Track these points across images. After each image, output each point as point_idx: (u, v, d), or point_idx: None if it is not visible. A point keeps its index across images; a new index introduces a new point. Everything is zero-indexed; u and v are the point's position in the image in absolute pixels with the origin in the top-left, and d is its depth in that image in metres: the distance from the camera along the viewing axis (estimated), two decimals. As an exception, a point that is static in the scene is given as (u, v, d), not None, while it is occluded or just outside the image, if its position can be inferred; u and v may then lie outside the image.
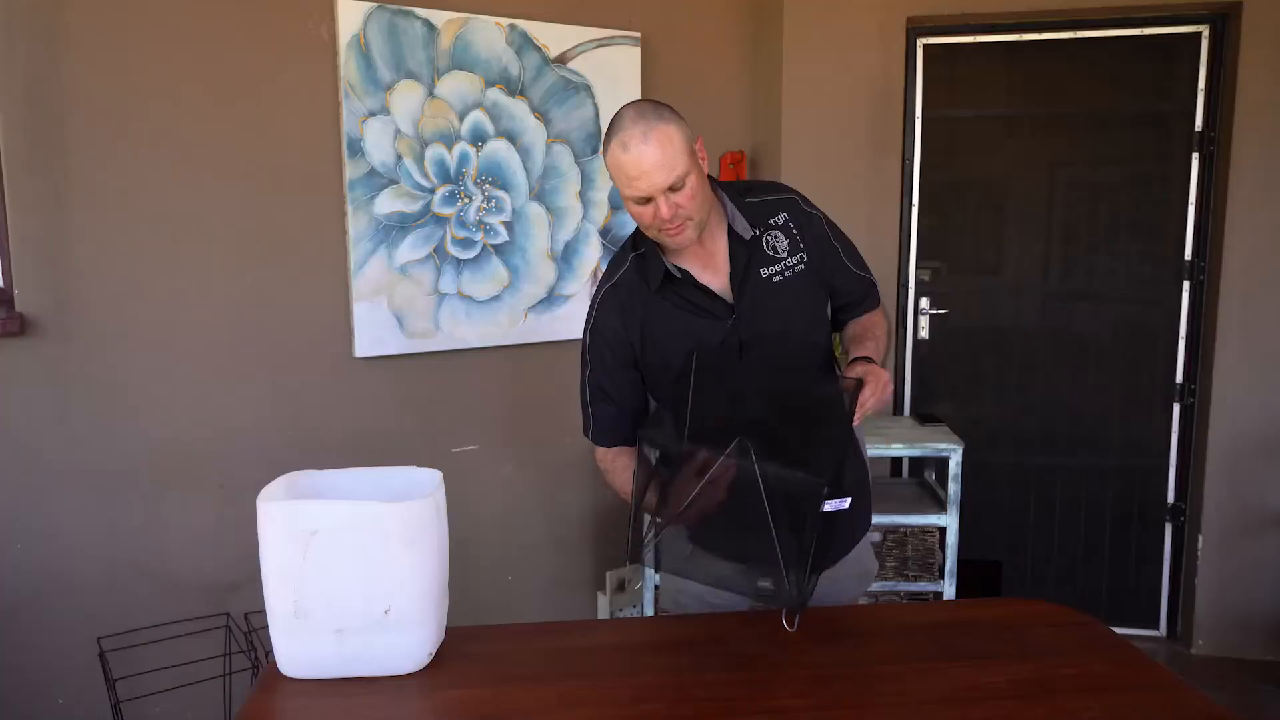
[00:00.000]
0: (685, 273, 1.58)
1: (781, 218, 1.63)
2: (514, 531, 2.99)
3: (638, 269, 1.61)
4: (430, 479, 1.47)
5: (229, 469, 2.47)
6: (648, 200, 1.47)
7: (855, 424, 1.46)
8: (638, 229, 1.59)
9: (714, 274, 1.60)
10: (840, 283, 1.69)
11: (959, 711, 1.27)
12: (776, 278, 1.60)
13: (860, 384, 1.47)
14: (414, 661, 1.40)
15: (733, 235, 1.59)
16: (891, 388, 1.51)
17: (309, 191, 2.54)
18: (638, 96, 2.99)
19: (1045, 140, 3.26)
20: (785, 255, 1.61)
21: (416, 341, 2.72)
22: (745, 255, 1.58)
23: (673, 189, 1.45)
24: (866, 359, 1.56)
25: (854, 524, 1.73)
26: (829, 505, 1.30)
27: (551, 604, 3.08)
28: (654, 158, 1.43)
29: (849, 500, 1.34)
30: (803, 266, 1.61)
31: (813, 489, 1.28)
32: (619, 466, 1.64)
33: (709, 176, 1.58)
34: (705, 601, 1.71)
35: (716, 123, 3.21)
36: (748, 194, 1.64)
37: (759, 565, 1.39)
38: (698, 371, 1.48)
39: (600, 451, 1.69)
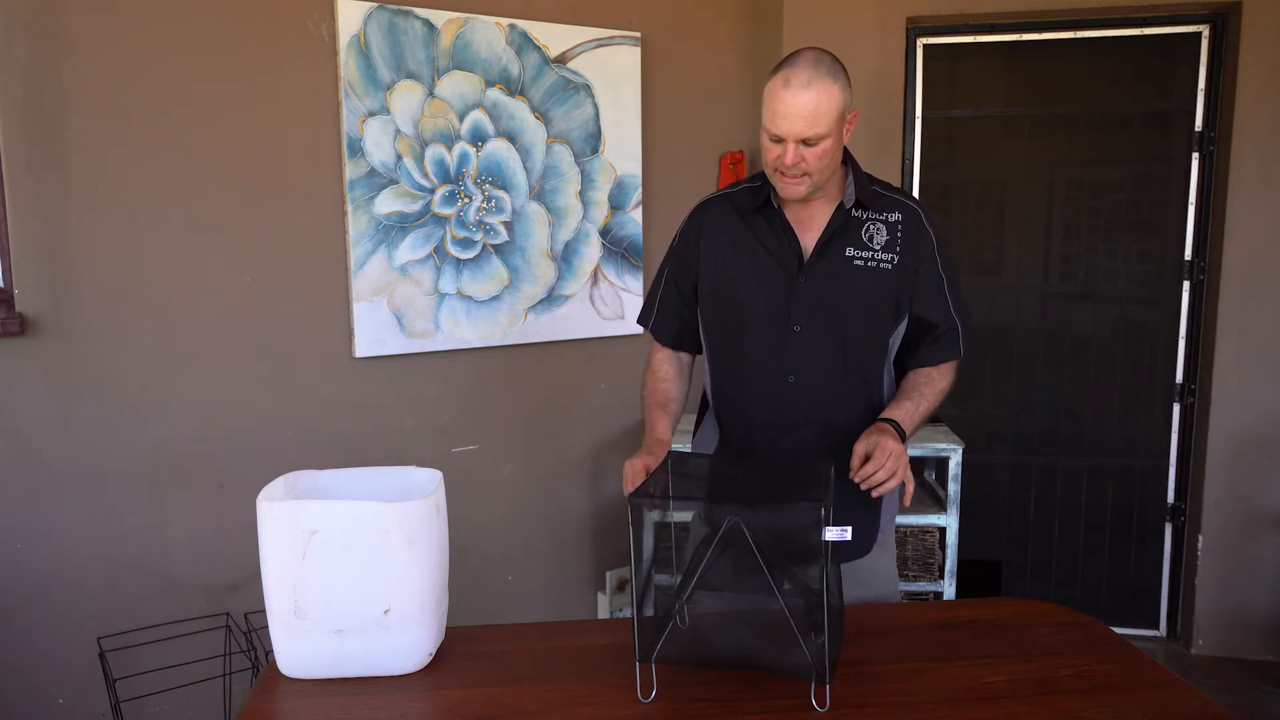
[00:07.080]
0: (780, 212, 1.63)
1: (894, 216, 1.65)
2: (514, 531, 2.99)
3: (744, 193, 1.69)
4: (430, 479, 1.47)
5: (229, 469, 2.47)
6: (780, 140, 1.53)
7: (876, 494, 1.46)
8: (761, 172, 1.67)
9: (804, 232, 1.63)
10: (924, 308, 1.64)
11: (959, 711, 1.27)
12: (857, 260, 1.61)
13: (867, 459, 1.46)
14: (414, 661, 1.40)
15: (839, 207, 1.62)
16: (904, 459, 1.46)
17: (309, 191, 2.54)
18: (638, 96, 2.99)
19: (1045, 140, 3.26)
20: (877, 249, 1.62)
21: (416, 341, 2.72)
22: (838, 225, 1.61)
23: (806, 142, 1.51)
24: (889, 422, 1.53)
25: (865, 525, 1.68)
26: (830, 534, 1.19)
27: (551, 604, 3.08)
28: (805, 107, 1.48)
29: (849, 530, 1.22)
30: (889, 267, 1.61)
31: (810, 515, 1.21)
32: (659, 376, 1.73)
33: (846, 149, 1.64)
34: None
35: (716, 123, 3.21)
36: (875, 183, 1.68)
37: (773, 644, 1.30)
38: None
39: (654, 350, 1.79)
